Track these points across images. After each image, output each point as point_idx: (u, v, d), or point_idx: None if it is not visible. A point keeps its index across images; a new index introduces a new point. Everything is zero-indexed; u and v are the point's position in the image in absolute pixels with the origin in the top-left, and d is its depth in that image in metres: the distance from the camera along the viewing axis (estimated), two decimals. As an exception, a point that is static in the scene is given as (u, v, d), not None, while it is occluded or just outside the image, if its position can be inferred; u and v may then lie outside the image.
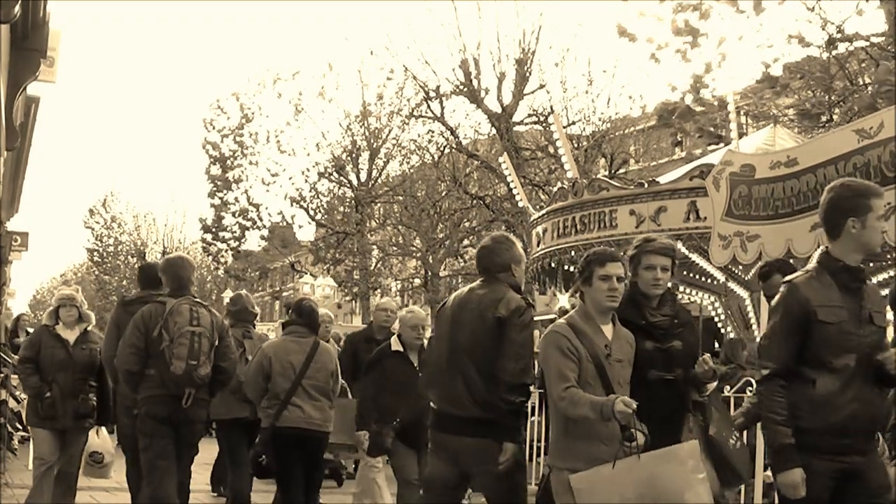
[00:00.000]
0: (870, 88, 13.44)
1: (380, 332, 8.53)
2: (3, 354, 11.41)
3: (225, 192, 28.05)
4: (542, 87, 23.92)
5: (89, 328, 7.81)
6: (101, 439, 7.69)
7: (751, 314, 10.38)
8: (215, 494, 9.68)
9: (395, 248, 28.60)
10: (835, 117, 13.78)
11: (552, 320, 16.84)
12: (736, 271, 9.96)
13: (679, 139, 15.73)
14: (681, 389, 4.78)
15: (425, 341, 7.15)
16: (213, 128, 28.07)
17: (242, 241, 28.75)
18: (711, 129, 14.72)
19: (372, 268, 28.34)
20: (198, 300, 6.64)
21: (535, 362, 6.65)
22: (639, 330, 4.71)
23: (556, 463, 4.55)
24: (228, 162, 27.87)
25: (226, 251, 29.39)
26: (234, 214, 28.29)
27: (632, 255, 4.85)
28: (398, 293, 36.53)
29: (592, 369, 4.44)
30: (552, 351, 4.51)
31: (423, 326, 7.29)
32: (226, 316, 7.73)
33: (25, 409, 8.32)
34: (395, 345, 7.27)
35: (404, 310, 7.76)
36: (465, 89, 24.01)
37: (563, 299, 14.18)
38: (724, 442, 4.75)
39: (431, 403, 5.45)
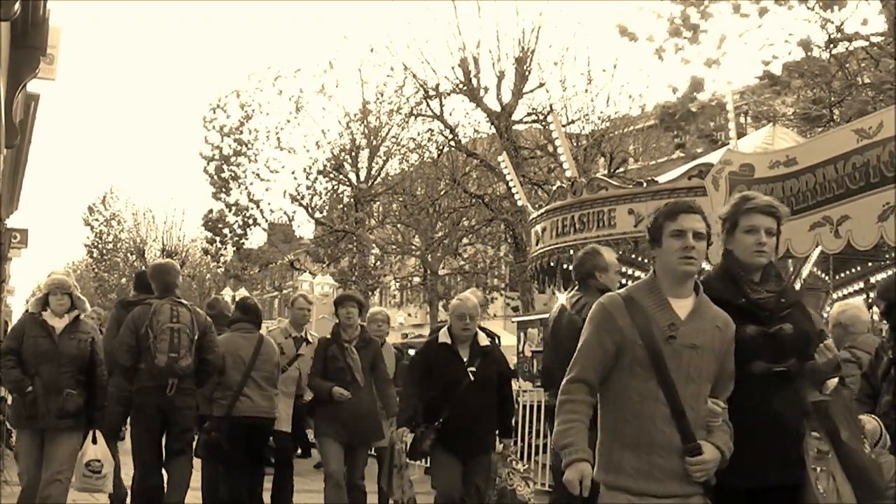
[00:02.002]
0: (870, 91, 13.44)
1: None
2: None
3: (226, 193, 28.04)
4: (541, 85, 23.94)
5: (82, 317, 6.94)
6: (98, 446, 6.77)
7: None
8: None
9: (394, 247, 28.61)
10: (835, 117, 13.79)
11: (551, 319, 16.36)
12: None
13: (681, 142, 15.73)
14: (795, 385, 3.78)
15: (479, 332, 6.73)
16: (213, 128, 28.06)
17: (245, 238, 28.76)
18: (712, 133, 14.73)
19: (371, 266, 28.35)
20: (179, 300, 7.25)
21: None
22: (738, 311, 3.71)
23: (601, 477, 3.53)
24: (229, 161, 27.85)
25: (226, 248, 29.39)
26: (235, 214, 28.30)
27: (726, 216, 3.91)
28: (397, 291, 36.62)
29: (643, 355, 3.44)
30: (587, 328, 3.61)
31: (472, 316, 6.61)
32: None
33: (10, 408, 7.27)
34: (444, 337, 6.67)
35: (455, 297, 7.11)
36: (465, 88, 24.01)
37: (562, 298, 14.19)
38: (860, 450, 3.81)
39: None
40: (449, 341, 6.61)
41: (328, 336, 7.71)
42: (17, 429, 6.94)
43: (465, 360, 6.54)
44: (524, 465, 6.86)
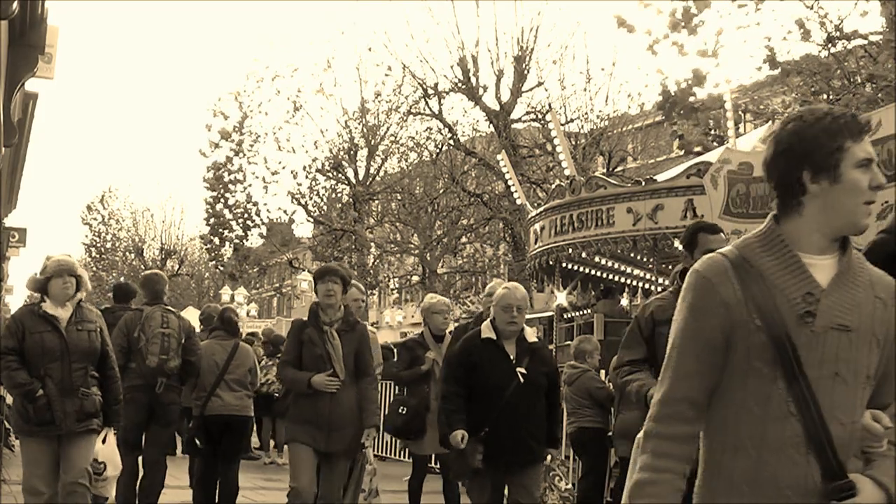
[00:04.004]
0: (868, 86, 13.45)
1: None
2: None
3: (224, 193, 28.05)
4: (540, 84, 23.97)
5: (83, 303, 6.25)
6: (106, 445, 6.20)
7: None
8: None
9: (392, 246, 28.61)
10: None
11: (549, 319, 16.64)
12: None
13: (679, 131, 15.71)
14: None
15: (527, 328, 5.89)
16: (212, 129, 28.08)
17: (245, 240, 28.80)
18: (711, 131, 14.74)
19: (370, 265, 28.36)
20: (168, 307, 7.85)
21: None
22: None
23: None
24: (228, 165, 27.87)
25: (225, 248, 29.41)
26: (234, 215, 28.33)
27: None
28: (396, 290, 36.63)
29: (764, 344, 2.19)
30: (679, 313, 2.34)
31: (520, 308, 5.74)
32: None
33: (13, 414, 6.48)
34: (487, 331, 5.79)
35: (501, 286, 6.10)
36: (464, 87, 24.02)
37: (561, 297, 14.22)
38: None
39: None
40: (493, 336, 5.73)
41: (304, 318, 6.56)
42: (25, 436, 6.09)
43: (512, 358, 5.68)
44: (566, 484, 6.14)
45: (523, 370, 5.63)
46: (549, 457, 5.94)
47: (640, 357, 4.87)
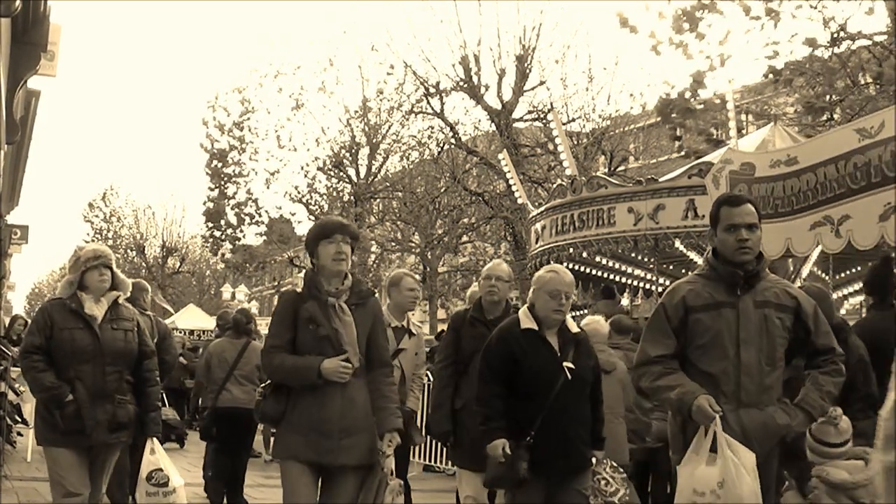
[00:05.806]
0: (871, 88, 13.45)
1: (490, 310, 6.12)
2: (1, 347, 11.29)
3: (225, 184, 28.07)
4: (542, 83, 23.95)
5: (121, 300, 5.59)
6: (158, 455, 5.59)
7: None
8: None
9: (393, 244, 28.59)
10: (836, 116, 13.78)
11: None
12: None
13: (679, 134, 15.73)
14: None
15: (568, 318, 5.25)
16: (215, 120, 28.07)
17: (240, 232, 28.81)
18: (712, 130, 14.73)
19: (370, 264, 28.36)
20: (144, 311, 7.76)
21: None
22: None
23: None
24: (229, 158, 27.86)
25: (224, 240, 29.43)
26: (232, 208, 28.34)
27: None
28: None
29: None
30: None
31: (568, 295, 5.09)
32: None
33: (35, 421, 5.66)
34: (526, 321, 5.10)
35: (543, 269, 5.40)
36: (465, 86, 24.01)
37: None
38: None
39: None
40: (535, 326, 5.07)
41: (297, 290, 4.83)
42: (50, 446, 5.34)
43: (557, 351, 5.06)
44: (612, 487, 5.65)
45: (570, 364, 5.01)
46: (594, 459, 5.31)
47: (669, 352, 4.21)
